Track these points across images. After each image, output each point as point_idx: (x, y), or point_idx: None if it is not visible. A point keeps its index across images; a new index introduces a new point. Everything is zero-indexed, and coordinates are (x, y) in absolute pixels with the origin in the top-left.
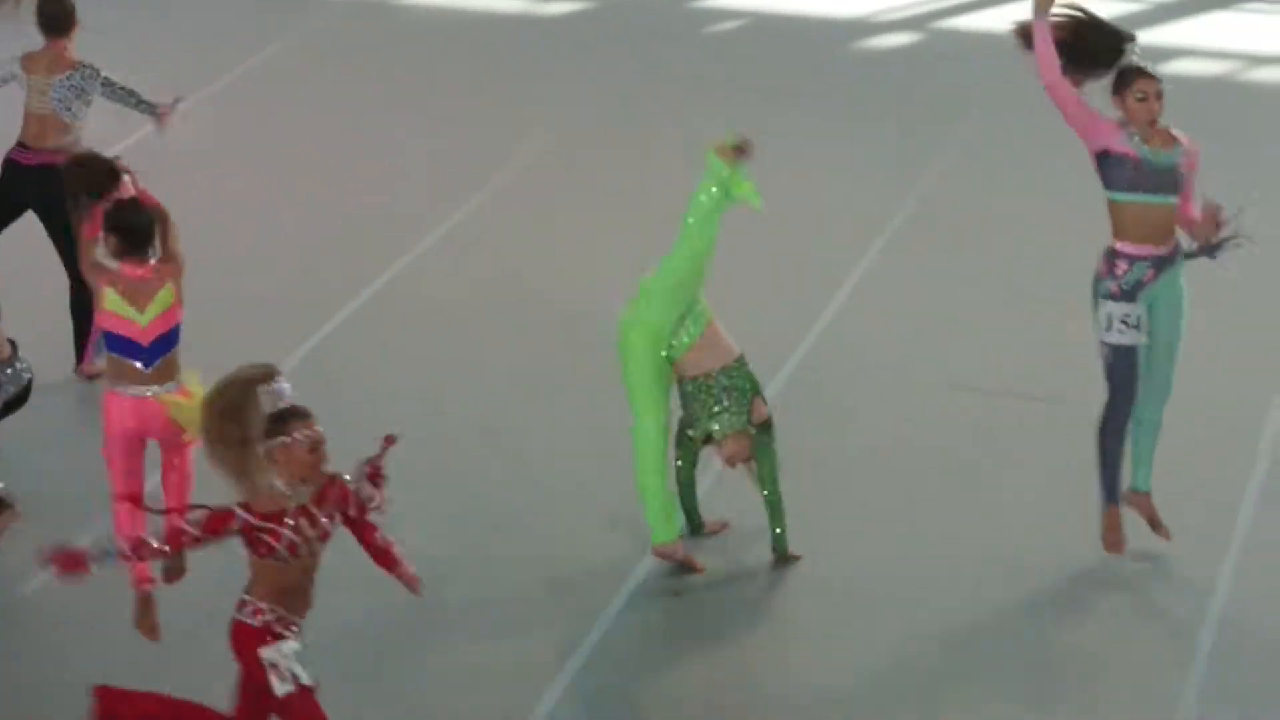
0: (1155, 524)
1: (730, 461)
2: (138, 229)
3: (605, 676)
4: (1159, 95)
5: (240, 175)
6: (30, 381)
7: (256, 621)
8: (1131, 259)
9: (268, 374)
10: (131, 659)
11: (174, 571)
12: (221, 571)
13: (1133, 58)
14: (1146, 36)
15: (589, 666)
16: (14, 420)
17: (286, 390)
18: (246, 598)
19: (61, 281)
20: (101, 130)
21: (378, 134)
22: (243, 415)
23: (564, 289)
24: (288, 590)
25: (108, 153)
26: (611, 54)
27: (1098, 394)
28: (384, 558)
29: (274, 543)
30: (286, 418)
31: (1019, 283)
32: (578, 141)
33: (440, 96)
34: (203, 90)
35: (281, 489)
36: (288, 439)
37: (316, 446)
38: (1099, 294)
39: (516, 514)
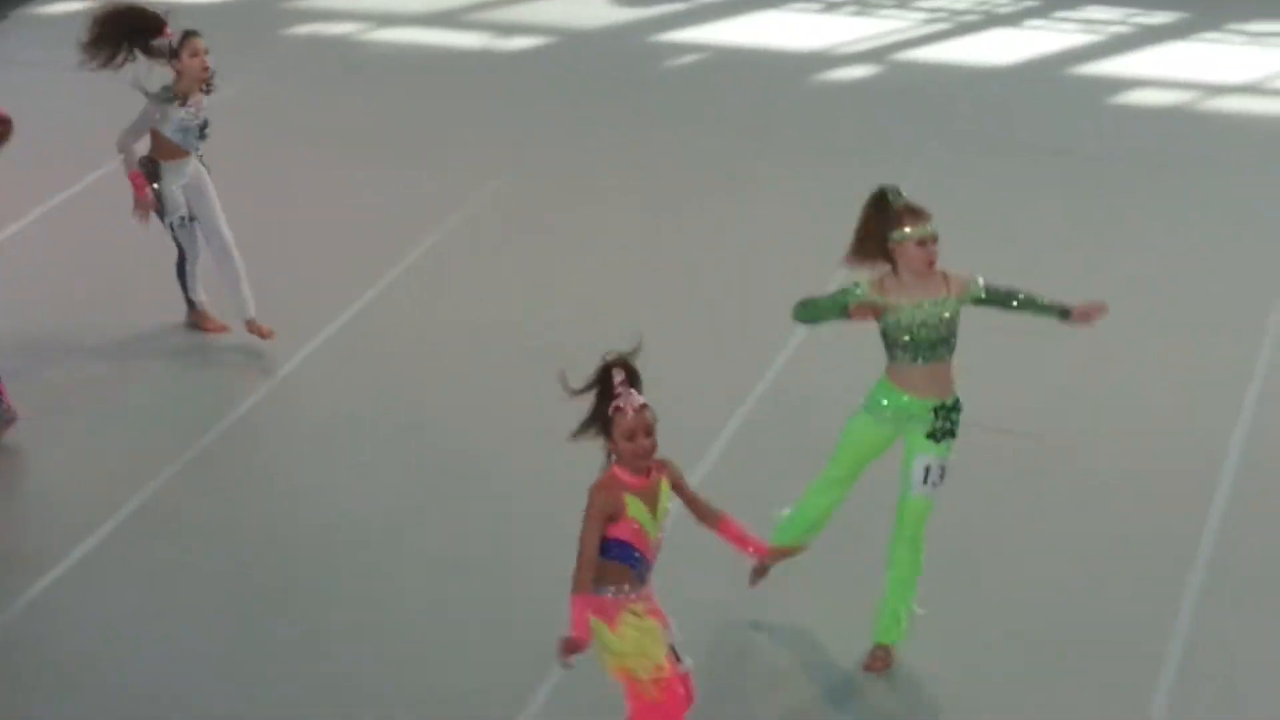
0: None
1: None
2: None
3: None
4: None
5: None
6: None
7: None
8: None
9: None
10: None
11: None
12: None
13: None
14: (1104, 67)
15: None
16: None
17: None
18: None
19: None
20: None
21: (337, 170)
22: None
23: (523, 326)
24: None
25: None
26: (572, 88)
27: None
28: None
29: None
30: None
31: (981, 317)
32: (539, 176)
33: (400, 131)
34: None
35: None
36: None
37: None
38: None
39: (472, 556)
